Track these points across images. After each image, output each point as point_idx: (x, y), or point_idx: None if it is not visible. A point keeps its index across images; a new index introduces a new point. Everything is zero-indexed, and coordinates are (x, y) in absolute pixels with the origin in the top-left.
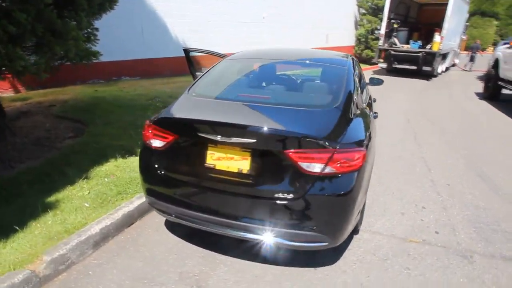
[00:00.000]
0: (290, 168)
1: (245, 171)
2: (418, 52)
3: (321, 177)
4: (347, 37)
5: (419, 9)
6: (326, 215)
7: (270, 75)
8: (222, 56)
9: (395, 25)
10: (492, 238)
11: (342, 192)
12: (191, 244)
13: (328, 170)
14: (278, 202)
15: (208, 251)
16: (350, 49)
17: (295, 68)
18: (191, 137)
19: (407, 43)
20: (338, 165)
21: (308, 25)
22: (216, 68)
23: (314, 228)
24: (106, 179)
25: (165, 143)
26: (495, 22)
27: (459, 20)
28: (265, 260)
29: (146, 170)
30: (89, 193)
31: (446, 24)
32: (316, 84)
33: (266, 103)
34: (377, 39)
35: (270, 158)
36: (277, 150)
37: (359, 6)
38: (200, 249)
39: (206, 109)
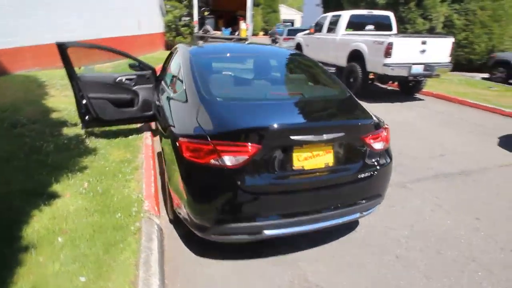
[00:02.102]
0: (364, 150)
1: (331, 164)
2: (231, 39)
3: (382, 151)
4: (157, 23)
5: None
6: (386, 180)
7: (265, 71)
8: (117, 52)
9: (206, 13)
10: (403, 172)
11: (391, 159)
12: (251, 260)
13: (384, 145)
14: (361, 182)
15: (273, 257)
16: (161, 36)
17: (269, 62)
18: (279, 143)
19: (216, 29)
20: (385, 139)
21: (119, 11)
22: (197, 67)
23: (381, 193)
24: (59, 239)
25: (246, 157)
26: (260, 11)
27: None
28: (321, 241)
29: (220, 197)
30: (60, 266)
31: (249, 13)
32: (314, 74)
33: (307, 98)
34: (186, 25)
35: (347, 146)
36: (354, 138)
37: None
38: (265, 259)
39: (269, 112)
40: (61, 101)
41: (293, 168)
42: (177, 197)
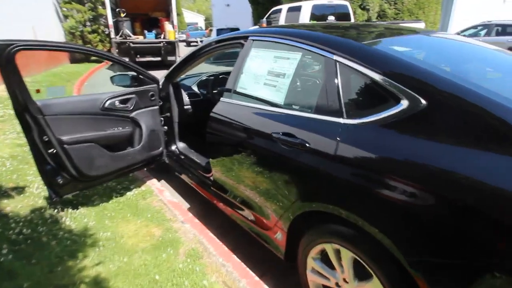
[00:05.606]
0: None
1: None
2: (159, 43)
3: None
4: (56, 32)
5: None
6: None
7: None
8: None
9: (122, 15)
10: None
11: None
12: None
13: None
14: None
15: None
16: None
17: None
18: None
19: (135, 34)
20: None
21: (12, 17)
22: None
23: None
24: None
25: None
26: None
27: None
28: None
29: None
30: None
31: (174, 14)
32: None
33: None
34: (94, 32)
35: None
36: None
37: None
38: None
39: None
40: None
41: None
42: None
